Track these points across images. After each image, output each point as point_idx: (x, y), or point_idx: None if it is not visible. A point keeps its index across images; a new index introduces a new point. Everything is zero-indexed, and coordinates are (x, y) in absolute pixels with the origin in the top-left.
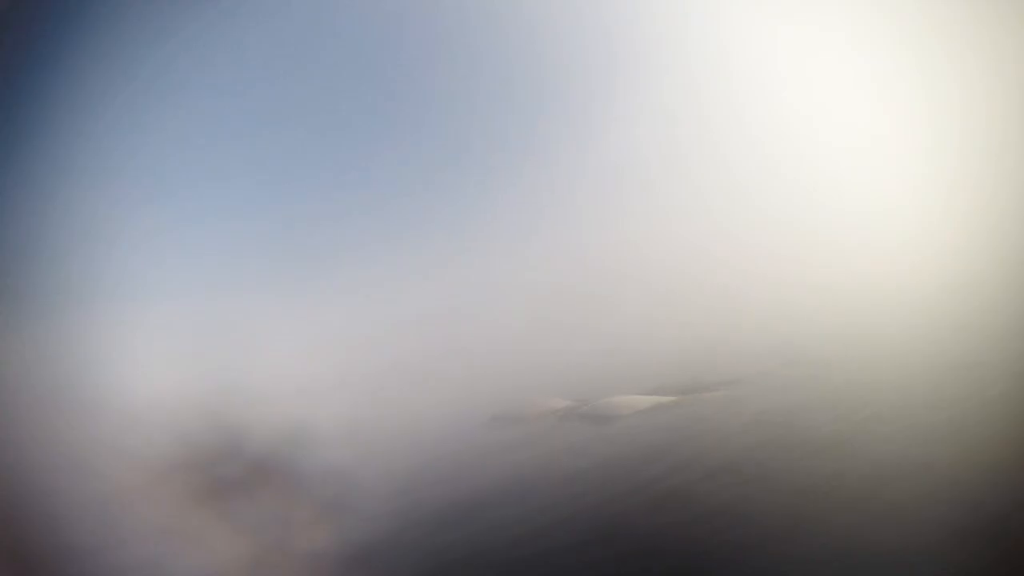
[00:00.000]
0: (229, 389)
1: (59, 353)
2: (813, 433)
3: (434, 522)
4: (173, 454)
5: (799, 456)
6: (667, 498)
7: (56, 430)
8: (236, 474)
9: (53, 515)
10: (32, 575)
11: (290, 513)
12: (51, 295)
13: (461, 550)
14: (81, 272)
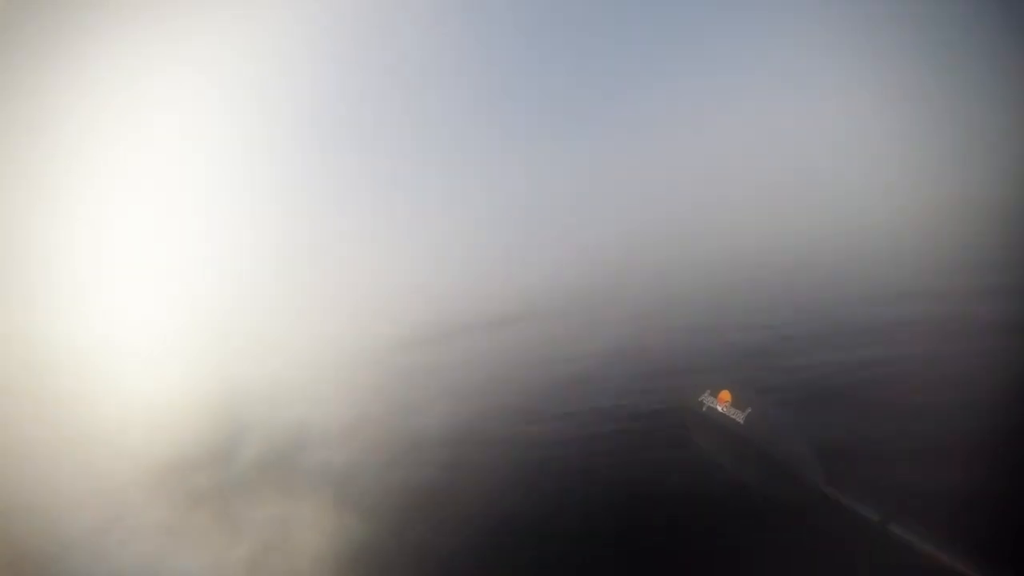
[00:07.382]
0: (230, 388)
1: (59, 351)
2: None
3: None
4: (173, 454)
5: None
6: None
7: (56, 430)
8: (236, 474)
9: (53, 515)
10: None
11: (290, 513)
12: (51, 293)
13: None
14: (81, 267)
